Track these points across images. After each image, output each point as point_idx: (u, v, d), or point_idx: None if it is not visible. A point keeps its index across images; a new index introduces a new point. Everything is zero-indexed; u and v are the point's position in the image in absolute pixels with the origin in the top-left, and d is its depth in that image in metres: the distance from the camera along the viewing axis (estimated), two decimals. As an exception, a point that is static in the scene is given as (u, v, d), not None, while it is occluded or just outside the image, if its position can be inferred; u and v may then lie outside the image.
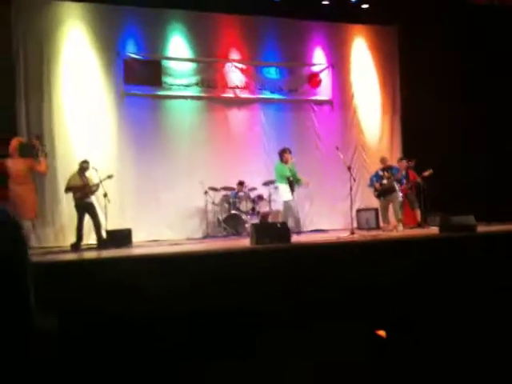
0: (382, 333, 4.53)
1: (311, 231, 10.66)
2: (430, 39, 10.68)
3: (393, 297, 5.49)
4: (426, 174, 9.86)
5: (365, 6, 11.11)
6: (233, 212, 10.03)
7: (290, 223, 8.40)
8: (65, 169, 9.18)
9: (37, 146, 7.23)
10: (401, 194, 9.33)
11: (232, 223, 9.99)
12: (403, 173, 9.58)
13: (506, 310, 4.73)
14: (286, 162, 8.67)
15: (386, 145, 12.00)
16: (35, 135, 8.04)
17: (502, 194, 10.28)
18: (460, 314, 4.94)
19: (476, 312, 4.89)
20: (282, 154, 8.76)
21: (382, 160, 9.67)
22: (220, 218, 10.16)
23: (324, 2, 10.91)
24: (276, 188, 9.29)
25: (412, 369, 3.69)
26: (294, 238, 7.11)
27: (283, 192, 8.61)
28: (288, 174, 8.59)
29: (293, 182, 8.64)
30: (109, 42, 10.11)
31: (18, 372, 1.64)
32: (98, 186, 8.45)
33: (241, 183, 10.28)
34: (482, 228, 7.54)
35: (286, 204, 8.57)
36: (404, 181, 9.58)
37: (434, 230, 8.30)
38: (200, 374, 3.56)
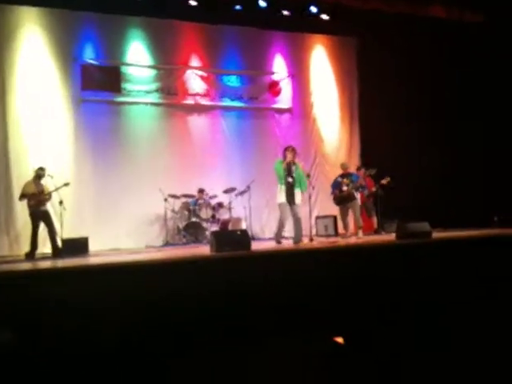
0: (339, 340, 4.58)
1: (270, 238, 10.68)
2: (388, 50, 10.91)
3: (351, 303, 5.55)
4: (384, 182, 10.01)
5: (325, 16, 11.27)
6: (193, 220, 9.97)
7: (285, 228, 7.88)
8: (19, 177, 9.00)
9: None
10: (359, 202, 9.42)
11: (192, 231, 9.93)
12: (363, 181, 9.66)
13: (458, 314, 4.86)
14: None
15: (344, 152, 12.19)
16: None
17: (457, 200, 10.56)
18: (415, 319, 5.05)
19: (430, 317, 5.00)
20: (284, 151, 7.95)
21: (342, 166, 9.58)
22: (180, 225, 10.07)
23: (284, 12, 11.00)
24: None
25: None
26: (254, 246, 7.08)
27: (277, 193, 7.84)
28: (281, 173, 7.77)
29: (291, 184, 7.80)
30: (66, 48, 9.99)
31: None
32: (51, 193, 8.28)
33: (201, 191, 10.24)
34: (436, 234, 7.71)
35: (279, 207, 7.84)
36: (364, 188, 9.67)
37: (390, 236, 8.44)
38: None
